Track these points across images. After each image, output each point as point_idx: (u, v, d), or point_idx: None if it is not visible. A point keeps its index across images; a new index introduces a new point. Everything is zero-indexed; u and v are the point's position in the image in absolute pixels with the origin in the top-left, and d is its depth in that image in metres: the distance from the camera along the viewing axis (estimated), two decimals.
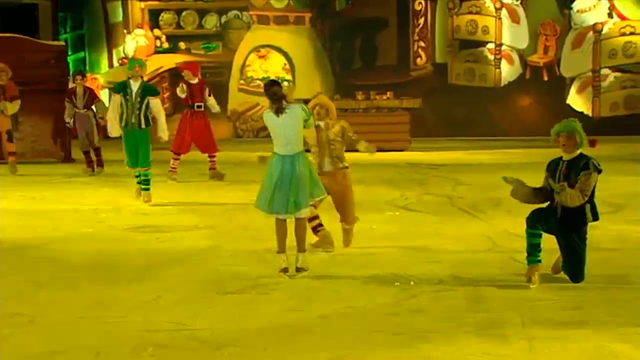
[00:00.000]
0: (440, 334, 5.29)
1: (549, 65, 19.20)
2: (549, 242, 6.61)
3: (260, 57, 19.51)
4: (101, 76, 19.70)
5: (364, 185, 10.86)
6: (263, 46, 19.61)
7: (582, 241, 6.51)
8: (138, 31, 19.63)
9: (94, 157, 13.31)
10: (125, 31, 19.68)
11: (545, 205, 6.57)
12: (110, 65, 19.78)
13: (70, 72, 14.16)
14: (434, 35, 19.42)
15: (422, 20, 19.40)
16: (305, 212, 6.86)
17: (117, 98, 10.21)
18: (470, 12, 19.34)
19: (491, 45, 19.30)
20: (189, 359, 4.90)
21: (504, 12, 19.21)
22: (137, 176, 10.40)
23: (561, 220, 6.46)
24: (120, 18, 19.70)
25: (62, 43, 17.08)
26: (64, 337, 5.29)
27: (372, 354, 4.95)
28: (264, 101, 21.65)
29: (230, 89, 19.62)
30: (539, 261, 6.45)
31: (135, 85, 10.09)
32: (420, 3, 19.30)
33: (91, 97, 13.34)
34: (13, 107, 13.19)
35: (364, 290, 6.38)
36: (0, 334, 5.32)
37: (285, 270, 6.82)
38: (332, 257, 7.39)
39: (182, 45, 19.74)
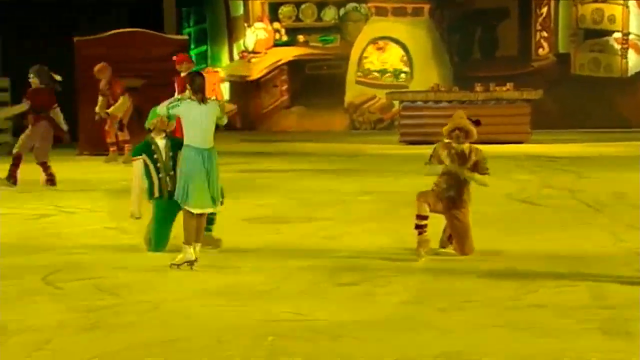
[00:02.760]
0: (562, 330, 5.17)
1: None
2: None
3: (378, 49, 19.48)
4: (222, 69, 20.09)
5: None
6: (381, 38, 19.57)
7: None
8: (258, 24, 19.92)
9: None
10: (245, 25, 20.00)
11: None
12: (231, 58, 20.13)
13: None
14: (557, 25, 18.96)
15: (544, 10, 18.97)
16: (218, 207, 7.01)
17: (140, 163, 7.45)
18: (596, 1, 18.80)
19: (618, 35, 18.70)
20: (306, 349, 4.95)
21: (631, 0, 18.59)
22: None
23: None
24: (241, 12, 20.02)
25: (186, 37, 17.52)
26: (186, 324, 5.42)
27: (491, 350, 4.87)
28: (381, 93, 21.58)
29: (347, 81, 19.66)
30: None
31: (160, 141, 7.50)
32: None
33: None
34: (117, 109, 13.50)
35: (481, 284, 6.30)
36: (125, 320, 5.51)
37: (192, 262, 6.80)
38: (448, 251, 7.31)
39: (300, 38, 19.92)
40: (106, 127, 13.78)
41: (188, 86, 7.02)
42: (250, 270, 6.80)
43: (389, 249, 7.43)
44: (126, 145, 13.66)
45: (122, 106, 13.66)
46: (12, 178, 11.03)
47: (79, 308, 5.75)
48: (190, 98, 6.90)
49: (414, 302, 5.84)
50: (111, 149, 13.87)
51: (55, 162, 12.58)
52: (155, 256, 7.22)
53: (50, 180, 11.04)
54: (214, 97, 10.79)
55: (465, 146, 7.21)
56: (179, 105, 6.93)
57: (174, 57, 12.74)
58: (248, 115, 19.59)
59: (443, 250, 7.34)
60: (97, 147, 14.27)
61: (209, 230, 7.41)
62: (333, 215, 9.11)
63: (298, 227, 8.56)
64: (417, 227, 7.12)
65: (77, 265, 6.98)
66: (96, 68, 13.67)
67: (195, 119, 6.86)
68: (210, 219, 7.40)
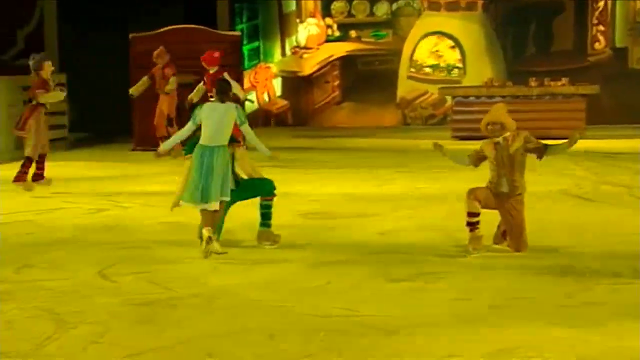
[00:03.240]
0: (618, 328, 5.09)
1: None
2: None
3: (434, 49, 19.36)
4: (274, 65, 20.16)
5: (536, 174, 10.56)
6: (433, 33, 19.44)
7: None
8: (310, 20, 19.93)
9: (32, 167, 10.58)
10: (298, 20, 20.03)
11: None
12: (283, 54, 20.18)
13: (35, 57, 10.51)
14: (614, 19, 18.64)
15: (601, 4, 18.66)
16: (213, 206, 6.99)
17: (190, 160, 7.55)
18: None
19: None
20: (358, 344, 4.94)
21: None
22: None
23: None
24: (294, 7, 20.05)
25: (238, 33, 17.60)
26: (238, 319, 5.46)
27: (546, 346, 4.82)
28: (434, 88, 21.40)
29: (399, 77, 19.58)
30: None
31: None
32: None
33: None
34: (171, 85, 13.67)
35: (536, 281, 6.24)
36: (179, 314, 5.56)
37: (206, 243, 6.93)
38: (502, 247, 7.25)
39: (352, 33, 19.88)
40: (154, 122, 13.93)
41: (214, 89, 7.39)
42: (301, 265, 6.82)
43: (441, 245, 7.39)
44: None
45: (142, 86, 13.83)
46: (24, 178, 10.40)
47: (134, 301, 5.82)
48: (212, 99, 7.23)
49: (466, 299, 5.80)
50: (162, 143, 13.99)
51: (110, 157, 12.72)
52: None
53: (40, 175, 10.54)
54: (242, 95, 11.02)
55: (507, 134, 7.13)
56: (200, 110, 7.17)
57: (202, 56, 13.14)
58: (300, 111, 19.61)
59: (496, 246, 7.27)
60: (151, 142, 14.41)
61: (268, 226, 7.47)
62: (384, 211, 9.09)
63: (350, 222, 8.56)
64: (469, 224, 7.06)
65: (132, 259, 7.08)
66: (155, 53, 13.91)
67: (209, 116, 7.07)
68: (266, 214, 7.44)
